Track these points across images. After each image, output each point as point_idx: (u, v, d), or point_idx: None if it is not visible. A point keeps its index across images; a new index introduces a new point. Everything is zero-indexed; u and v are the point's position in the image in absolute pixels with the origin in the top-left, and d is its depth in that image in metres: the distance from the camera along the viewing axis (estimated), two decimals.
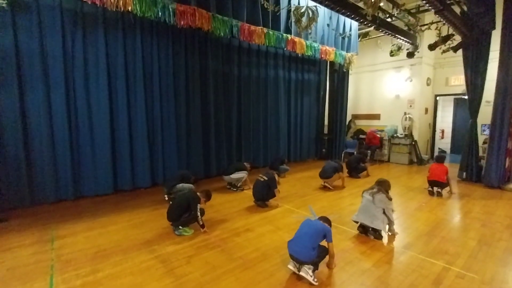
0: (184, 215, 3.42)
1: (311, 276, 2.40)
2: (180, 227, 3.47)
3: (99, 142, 4.94)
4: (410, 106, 8.86)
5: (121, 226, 3.79)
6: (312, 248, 2.42)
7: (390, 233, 3.48)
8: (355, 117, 10.44)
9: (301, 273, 2.46)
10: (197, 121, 6.24)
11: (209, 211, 4.29)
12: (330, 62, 8.55)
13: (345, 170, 6.84)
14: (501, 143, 5.79)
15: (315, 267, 2.46)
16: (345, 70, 8.63)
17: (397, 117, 9.11)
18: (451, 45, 6.43)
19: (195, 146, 6.25)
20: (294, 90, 8.61)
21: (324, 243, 2.62)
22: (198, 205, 3.47)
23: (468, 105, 6.54)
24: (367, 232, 3.46)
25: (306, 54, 6.35)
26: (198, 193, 3.61)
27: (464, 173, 6.54)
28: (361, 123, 10.23)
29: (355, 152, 9.07)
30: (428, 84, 8.89)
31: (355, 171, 6.89)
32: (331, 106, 9.47)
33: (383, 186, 3.50)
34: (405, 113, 8.90)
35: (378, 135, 9.06)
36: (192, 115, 6.15)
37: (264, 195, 4.52)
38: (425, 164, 8.57)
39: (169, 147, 5.82)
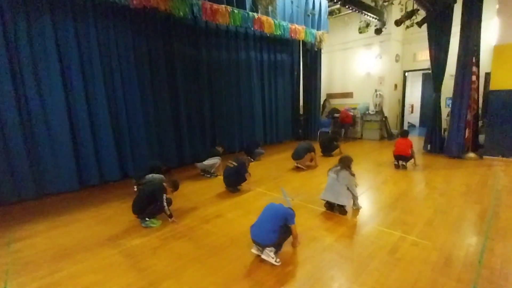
0: (149, 206, 3.35)
1: (273, 258, 2.46)
2: (147, 219, 3.40)
3: (57, 137, 4.65)
4: (381, 83, 9.03)
5: (85, 223, 3.66)
6: (273, 231, 2.45)
7: (354, 207, 3.61)
8: (330, 96, 10.53)
9: (263, 256, 2.51)
10: (166, 109, 6.03)
11: (180, 200, 4.25)
12: (302, 41, 8.44)
13: (319, 149, 6.99)
14: (461, 115, 6.09)
15: (277, 249, 2.52)
16: (316, 49, 8.56)
17: (369, 94, 9.29)
18: (416, 21, 6.50)
19: (166, 134, 6.07)
20: (267, 71, 8.48)
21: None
22: (164, 195, 3.40)
23: (432, 79, 6.76)
24: (333, 209, 3.58)
25: (275, 33, 6.19)
26: (164, 183, 3.53)
27: (429, 145, 6.87)
28: (336, 102, 10.36)
29: (330, 131, 9.25)
30: (397, 61, 9.05)
31: (328, 150, 7.03)
32: (306, 87, 9.47)
33: (345, 163, 3.59)
34: (376, 90, 9.09)
35: (351, 113, 9.24)
36: (160, 102, 5.92)
37: (235, 181, 4.52)
38: (395, 138, 8.87)
39: (138, 138, 5.61)
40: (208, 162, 5.34)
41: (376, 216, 3.47)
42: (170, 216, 3.46)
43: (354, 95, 9.78)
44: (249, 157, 6.57)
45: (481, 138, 6.30)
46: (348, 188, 3.46)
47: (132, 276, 2.50)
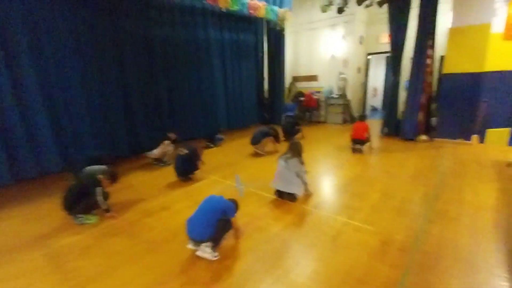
0: (81, 201, 3.04)
1: (210, 253, 2.32)
2: (80, 215, 3.10)
3: None
4: (345, 66, 9.03)
5: (13, 222, 3.27)
6: (209, 225, 2.30)
7: (305, 192, 3.56)
8: (296, 79, 10.40)
9: (198, 253, 2.36)
10: (114, 92, 5.50)
11: (125, 192, 3.97)
12: (266, 21, 8.07)
13: (282, 134, 6.91)
14: (415, 98, 6.26)
15: (216, 243, 2.38)
16: (280, 29, 8.26)
17: (334, 77, 9.28)
18: (376, 0, 6.42)
19: (116, 121, 5.59)
20: (230, 52, 8.07)
21: None
22: (99, 188, 3.09)
23: (391, 62, 6.83)
24: (283, 196, 3.51)
25: (232, 8, 5.78)
26: (100, 176, 3.21)
27: (386, 129, 7.07)
28: (301, 85, 10.26)
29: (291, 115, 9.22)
30: (361, 43, 9.05)
31: (290, 134, 6.96)
32: (270, 69, 9.22)
33: (295, 150, 3.50)
34: (339, 73, 9.09)
35: (316, 97, 9.22)
36: (107, 85, 5.38)
37: (187, 170, 4.28)
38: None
39: (81, 125, 5.09)
40: (158, 150, 5.02)
41: (325, 202, 3.47)
42: (107, 210, 3.18)
43: (319, 78, 9.73)
44: (208, 143, 6.35)
45: (434, 120, 6.58)
46: (298, 175, 3.40)
47: (55, 280, 2.25)
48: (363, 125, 5.59)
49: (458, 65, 5.87)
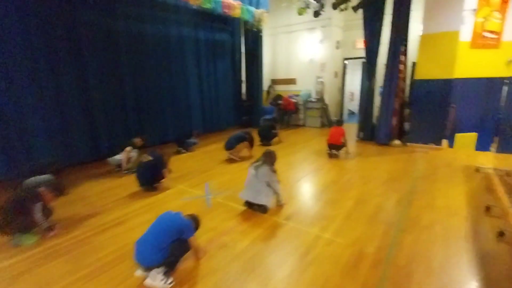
0: (17, 219, 2.62)
1: (162, 280, 2.02)
2: (19, 234, 2.67)
3: None
4: (322, 69, 9.02)
5: None
6: (160, 249, 2.00)
7: (278, 203, 3.37)
8: (274, 82, 10.27)
9: (147, 282, 2.05)
10: (72, 92, 5.01)
11: (79, 204, 3.57)
12: (244, 21, 7.86)
13: (258, 138, 6.71)
14: (389, 104, 6.30)
15: (170, 268, 2.08)
16: (256, 30, 8.08)
17: (311, 81, 9.24)
18: (351, 5, 6.41)
19: (74, 124, 5.09)
20: (205, 51, 7.77)
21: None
22: (38, 204, 2.68)
23: (365, 68, 6.86)
24: (253, 207, 3.27)
25: (204, 6, 5.50)
26: (41, 188, 2.80)
27: (362, 133, 7.08)
28: (280, 88, 10.14)
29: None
30: (337, 47, 9.09)
31: (267, 138, 6.78)
32: (248, 71, 9.01)
33: (268, 158, 3.30)
34: (317, 77, 9.06)
35: (294, 100, 9.13)
36: (62, 83, 4.88)
37: (151, 178, 3.93)
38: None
39: (31, 128, 4.56)
40: (121, 156, 4.62)
41: (298, 213, 3.26)
42: (50, 229, 2.78)
43: (297, 81, 9.66)
44: (180, 148, 6.01)
45: (407, 125, 6.66)
46: (268, 185, 3.18)
47: None
48: (339, 130, 5.51)
49: (429, 71, 5.97)
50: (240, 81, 9.13)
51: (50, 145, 4.75)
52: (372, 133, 6.87)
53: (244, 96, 9.36)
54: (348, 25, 8.98)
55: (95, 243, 2.72)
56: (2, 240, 2.72)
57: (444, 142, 6.07)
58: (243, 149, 5.48)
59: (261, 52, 8.74)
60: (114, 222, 3.10)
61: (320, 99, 8.98)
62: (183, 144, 6.00)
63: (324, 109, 9.06)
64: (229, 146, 5.30)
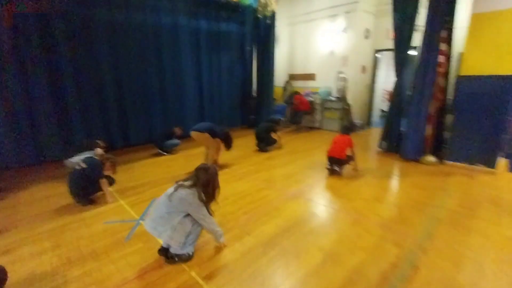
0: None
1: None
2: None
3: None
4: (344, 63, 7.60)
5: None
6: None
7: (217, 243, 2.43)
8: (292, 77, 9.10)
9: None
10: (41, 87, 4.65)
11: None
12: (253, 9, 6.90)
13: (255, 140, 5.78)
14: (421, 107, 4.80)
15: None
16: (261, 16, 7.03)
17: (332, 77, 7.88)
18: None
19: (45, 119, 4.76)
20: (208, 44, 7.01)
21: None
22: None
23: (394, 60, 5.37)
24: (167, 254, 2.30)
25: None
26: None
27: (384, 143, 5.63)
28: (298, 85, 8.94)
29: (282, 119, 7.96)
30: (366, 37, 7.56)
31: (264, 143, 5.77)
32: (259, 65, 8.02)
33: (200, 177, 2.26)
34: (338, 72, 7.67)
35: (310, 99, 7.90)
36: (31, 79, 4.54)
37: (83, 190, 3.27)
38: (357, 130, 7.66)
39: None
40: (77, 158, 4.07)
41: (231, 268, 2.24)
42: None
43: (316, 77, 8.36)
44: (160, 150, 5.35)
45: (447, 136, 5.05)
46: (188, 220, 2.20)
47: None
48: (344, 140, 4.27)
49: (481, 64, 4.32)
50: (249, 77, 8.19)
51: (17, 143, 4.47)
52: (398, 143, 5.39)
53: (254, 94, 8.41)
54: (381, 11, 7.37)
55: None
56: None
57: (502, 163, 4.40)
58: (214, 147, 4.52)
59: (273, 43, 7.67)
60: (4, 249, 2.49)
61: (342, 98, 7.59)
62: (162, 145, 5.34)
63: (345, 110, 7.65)
64: (200, 129, 4.36)
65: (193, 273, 2.17)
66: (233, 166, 4.71)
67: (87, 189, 3.28)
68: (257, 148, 5.80)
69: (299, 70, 8.83)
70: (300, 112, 7.63)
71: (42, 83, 4.66)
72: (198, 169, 2.32)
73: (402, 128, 5.38)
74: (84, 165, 3.25)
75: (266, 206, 3.27)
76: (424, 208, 3.20)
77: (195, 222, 2.25)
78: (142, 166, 4.75)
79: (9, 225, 2.90)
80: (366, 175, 4.32)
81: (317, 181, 4.08)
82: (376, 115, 8.79)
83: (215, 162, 4.60)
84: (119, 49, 5.48)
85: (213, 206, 2.38)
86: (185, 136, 5.23)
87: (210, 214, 2.32)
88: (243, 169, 4.56)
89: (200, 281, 2.08)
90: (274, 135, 5.87)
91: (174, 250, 2.25)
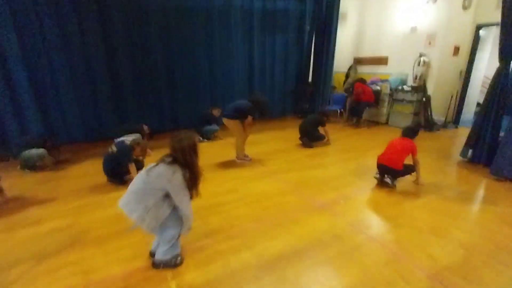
0: None
1: None
2: None
3: None
4: (430, 43, 6.03)
5: None
6: None
7: (183, 233, 2.03)
8: (358, 61, 7.85)
9: None
10: (101, 70, 5.07)
11: (47, 185, 3.46)
12: None
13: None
14: None
15: None
16: None
17: (410, 61, 6.41)
18: None
19: (102, 100, 5.23)
20: (262, 25, 6.55)
21: None
22: None
23: (500, 39, 3.87)
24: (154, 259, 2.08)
25: None
26: None
27: (470, 150, 4.25)
28: (365, 70, 7.67)
29: (338, 110, 7.04)
30: (465, 7, 5.77)
31: (310, 138, 5.11)
32: (317, 47, 7.14)
33: (183, 151, 1.86)
34: (420, 55, 6.16)
35: (377, 87, 6.66)
36: (92, 62, 4.98)
37: (114, 171, 3.43)
38: (438, 130, 6.14)
39: (64, 100, 4.92)
40: (121, 139, 4.31)
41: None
42: None
43: (389, 61, 6.96)
44: (201, 137, 5.29)
45: None
46: (165, 202, 1.89)
47: None
48: (404, 145, 3.32)
49: None
50: (306, 61, 7.39)
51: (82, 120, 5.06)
52: (490, 153, 3.98)
53: (310, 80, 7.60)
54: None
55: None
56: None
57: None
58: (242, 136, 4.14)
59: (336, 21, 6.66)
60: (33, 219, 2.76)
61: (419, 88, 6.13)
62: (202, 131, 5.27)
63: (422, 103, 6.19)
64: (230, 113, 4.02)
65: (173, 285, 1.92)
66: (264, 161, 4.29)
67: (116, 171, 3.41)
68: (301, 143, 5.19)
69: (367, 53, 7.51)
70: (361, 104, 6.51)
71: (102, 65, 5.08)
72: (176, 140, 1.89)
73: (501, 133, 3.94)
74: (114, 149, 3.36)
75: (283, 216, 2.78)
76: (510, 260, 2.17)
77: (174, 211, 1.95)
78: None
79: (52, 196, 3.22)
80: (430, 193, 3.29)
81: (358, 192, 3.32)
82: (469, 111, 6.87)
83: (244, 155, 4.27)
84: (171, 32, 5.52)
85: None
86: None
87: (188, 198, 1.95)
88: (274, 166, 4.09)
89: None
90: (322, 130, 5.14)
91: (159, 255, 2.04)
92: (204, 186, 3.32)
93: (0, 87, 4.40)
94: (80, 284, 1.94)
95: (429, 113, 6.19)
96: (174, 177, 1.82)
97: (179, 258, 2.09)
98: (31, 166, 3.82)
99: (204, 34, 5.86)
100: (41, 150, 3.83)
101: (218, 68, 6.20)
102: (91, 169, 4.01)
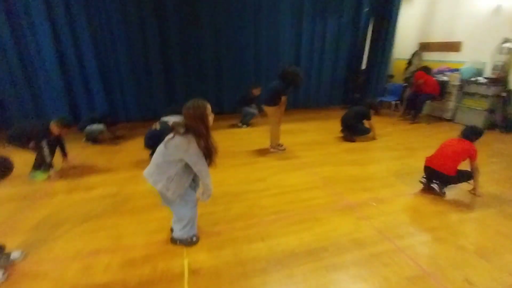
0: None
1: None
2: (33, 170, 3.32)
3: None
4: None
5: None
6: None
7: (202, 199, 2.08)
8: (424, 47, 6.85)
9: None
10: (155, 55, 5.47)
11: (105, 157, 3.98)
12: None
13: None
14: None
15: None
16: None
17: (489, 48, 5.34)
18: None
19: (156, 81, 5.67)
20: (313, 7, 6.16)
21: None
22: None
23: None
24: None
25: None
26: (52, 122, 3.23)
27: None
28: (432, 57, 6.68)
29: (393, 102, 6.35)
30: None
31: (353, 131, 4.76)
32: (376, 31, 6.46)
33: (195, 121, 1.87)
34: (504, 41, 5.07)
35: (445, 78, 5.78)
36: (149, 46, 5.39)
37: (153, 147, 3.73)
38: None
39: (125, 82, 5.50)
40: (169, 118, 4.65)
41: (224, 280, 1.97)
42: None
43: (463, 47, 5.91)
44: (240, 124, 5.39)
45: None
46: (185, 172, 1.96)
47: None
48: (462, 147, 2.85)
49: None
50: (360, 46, 6.77)
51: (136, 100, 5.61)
52: None
53: (364, 67, 6.97)
54: None
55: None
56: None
57: None
58: (276, 123, 4.03)
59: (399, 1, 5.84)
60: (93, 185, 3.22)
61: (498, 81, 5.11)
62: (242, 114, 5.34)
63: (500, 99, 5.17)
64: (266, 98, 3.93)
65: (185, 262, 2.07)
66: (298, 152, 4.16)
67: (155, 147, 3.71)
68: (342, 135, 4.87)
69: (436, 37, 6.48)
70: (422, 96, 5.73)
71: (157, 55, 5.49)
72: (188, 108, 1.90)
73: None
74: (157, 127, 3.67)
75: (306, 212, 2.69)
76: None
77: (190, 188, 2.07)
78: (218, 135, 4.91)
79: (105, 167, 3.71)
80: (487, 207, 2.78)
81: (395, 196, 2.99)
82: None
83: (277, 145, 4.20)
84: (219, 18, 5.60)
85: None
86: None
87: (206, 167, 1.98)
88: (307, 158, 3.94)
89: (186, 274, 1.95)
90: (367, 123, 4.72)
91: (176, 232, 2.21)
92: (232, 173, 3.49)
93: (75, 72, 5.13)
94: (111, 246, 2.23)
95: (508, 110, 5.14)
96: (189, 147, 1.86)
97: (194, 237, 2.23)
98: (93, 139, 4.42)
99: (251, 17, 5.78)
100: (101, 126, 4.38)
101: (263, 53, 6.11)
102: (142, 146, 4.45)
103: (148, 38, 5.34)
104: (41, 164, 3.31)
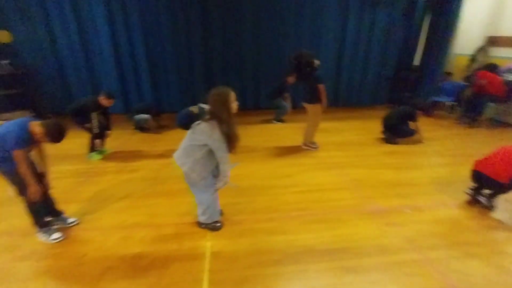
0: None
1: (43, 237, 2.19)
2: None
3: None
4: None
5: None
6: None
7: (218, 186, 2.20)
8: (491, 42, 5.97)
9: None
10: (197, 52, 5.77)
11: (141, 142, 4.40)
12: None
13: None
14: None
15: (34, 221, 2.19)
16: None
17: None
18: None
19: (197, 79, 6.00)
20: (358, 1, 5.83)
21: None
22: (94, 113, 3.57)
23: None
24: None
25: None
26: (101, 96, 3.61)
27: None
28: (501, 54, 5.81)
29: (448, 103, 5.70)
30: None
31: (395, 133, 4.44)
32: (433, 23, 5.86)
33: (217, 108, 1.99)
34: None
35: (508, 78, 5.01)
36: (192, 44, 5.72)
37: (186, 126, 4.01)
38: None
39: (170, 78, 5.95)
40: (206, 106, 4.93)
41: (240, 266, 2.03)
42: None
43: None
44: (274, 121, 5.44)
45: None
46: (210, 156, 2.08)
47: None
48: None
49: None
50: (414, 40, 6.20)
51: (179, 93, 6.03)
52: None
53: (416, 64, 6.39)
54: None
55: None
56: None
57: None
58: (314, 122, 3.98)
59: None
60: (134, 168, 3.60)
61: None
62: (274, 107, 5.38)
63: None
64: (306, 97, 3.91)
65: (208, 244, 2.23)
66: (331, 152, 4.05)
67: (188, 127, 3.99)
68: (383, 137, 4.58)
69: (507, 31, 5.60)
70: (484, 97, 5.05)
71: (199, 51, 5.77)
72: (214, 97, 2.03)
73: None
74: (196, 111, 3.97)
75: (330, 213, 2.64)
76: None
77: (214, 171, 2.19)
78: (251, 129, 5.07)
79: (149, 153, 4.09)
80: None
81: (434, 205, 2.75)
82: None
83: (311, 142, 4.14)
84: (260, 12, 5.64)
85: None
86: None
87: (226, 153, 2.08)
88: (340, 159, 3.81)
89: (207, 255, 2.11)
90: (412, 124, 4.36)
91: (199, 217, 2.38)
92: (261, 167, 3.57)
93: (129, 67, 5.71)
94: (147, 222, 2.51)
95: None
96: (213, 133, 1.97)
97: (218, 224, 2.38)
98: (140, 127, 4.90)
99: (293, 10, 5.70)
100: (146, 116, 4.82)
101: (304, 47, 5.98)
102: (183, 135, 4.78)
103: (192, 35, 5.64)
104: (94, 147, 3.80)
